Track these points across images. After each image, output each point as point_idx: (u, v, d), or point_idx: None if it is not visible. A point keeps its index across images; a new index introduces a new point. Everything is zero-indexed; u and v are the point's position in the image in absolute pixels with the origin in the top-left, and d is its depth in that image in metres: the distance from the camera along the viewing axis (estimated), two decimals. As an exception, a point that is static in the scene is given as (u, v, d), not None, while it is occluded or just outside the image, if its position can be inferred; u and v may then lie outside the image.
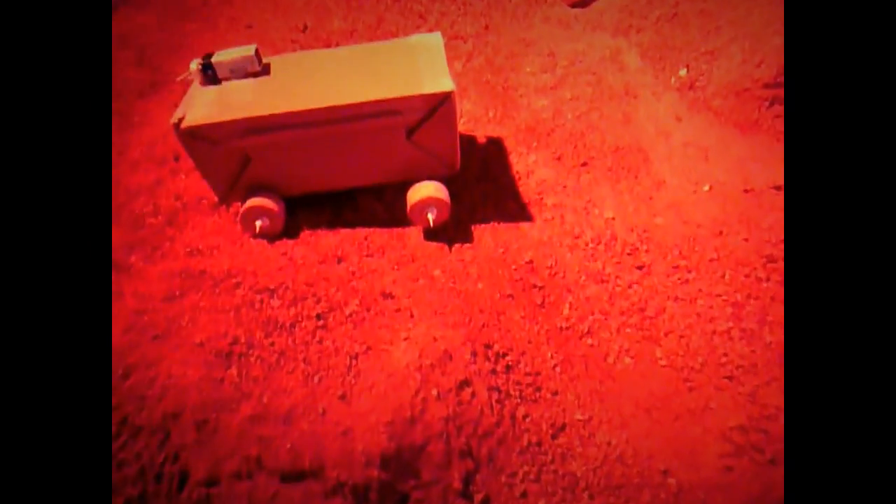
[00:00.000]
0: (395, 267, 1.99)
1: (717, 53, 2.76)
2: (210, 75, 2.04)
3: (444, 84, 1.93)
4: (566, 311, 1.90)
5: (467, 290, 1.94)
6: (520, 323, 1.87)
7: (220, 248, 2.05)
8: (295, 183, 2.11)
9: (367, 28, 3.14)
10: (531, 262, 2.07)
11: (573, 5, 3.30)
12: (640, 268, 2.01)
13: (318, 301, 1.74)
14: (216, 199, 2.13)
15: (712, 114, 2.64)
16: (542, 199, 2.32)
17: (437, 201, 2.07)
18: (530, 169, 2.43)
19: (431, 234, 2.15)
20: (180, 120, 1.85)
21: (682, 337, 1.73)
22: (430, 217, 2.08)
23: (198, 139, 1.89)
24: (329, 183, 2.15)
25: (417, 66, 2.05)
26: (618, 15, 3.15)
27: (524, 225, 2.23)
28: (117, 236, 2.05)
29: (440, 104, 1.94)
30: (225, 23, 3.27)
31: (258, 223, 2.03)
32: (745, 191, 2.28)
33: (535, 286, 1.99)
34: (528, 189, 2.35)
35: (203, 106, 1.93)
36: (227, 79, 2.06)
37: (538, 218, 2.26)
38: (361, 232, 2.13)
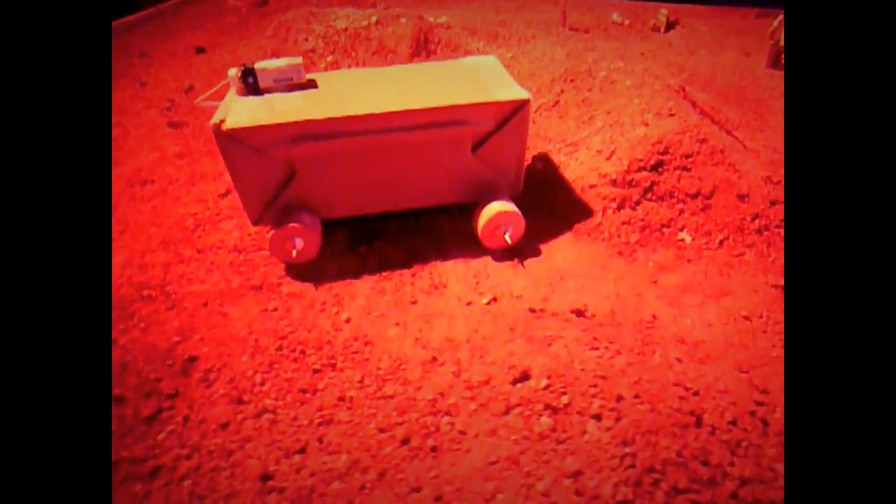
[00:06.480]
0: None
1: (580, 144, 2.45)
2: (251, 84, 1.83)
3: (518, 92, 1.77)
4: None
5: None
6: None
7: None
8: (339, 202, 1.85)
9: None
10: None
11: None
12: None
13: None
14: (249, 219, 1.85)
15: (558, 219, 2.30)
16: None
17: (511, 216, 1.80)
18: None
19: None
20: (221, 121, 1.62)
21: None
22: (507, 236, 1.86)
23: (240, 144, 1.64)
24: (376, 204, 1.91)
25: (482, 78, 1.85)
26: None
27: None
28: None
29: (513, 114, 1.77)
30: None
31: (295, 247, 1.76)
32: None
33: None
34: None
35: (246, 111, 1.69)
36: (269, 89, 1.83)
37: None
38: None
